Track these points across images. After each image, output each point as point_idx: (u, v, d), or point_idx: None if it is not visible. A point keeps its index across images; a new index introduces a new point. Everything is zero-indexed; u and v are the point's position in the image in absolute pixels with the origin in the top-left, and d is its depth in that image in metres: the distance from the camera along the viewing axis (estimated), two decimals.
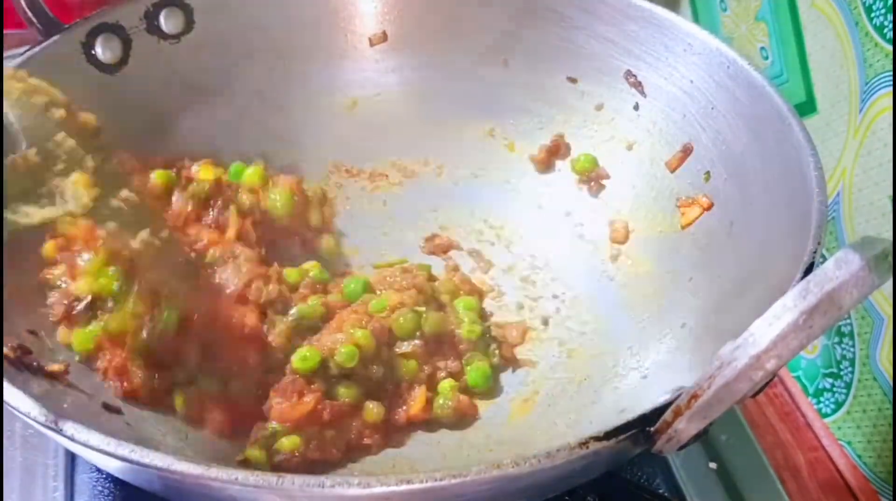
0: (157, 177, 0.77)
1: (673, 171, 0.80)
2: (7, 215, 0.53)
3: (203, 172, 0.78)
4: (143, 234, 0.61)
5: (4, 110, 0.59)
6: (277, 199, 0.80)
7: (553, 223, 0.88)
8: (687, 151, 0.78)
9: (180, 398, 0.67)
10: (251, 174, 0.81)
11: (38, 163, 0.55)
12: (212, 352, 0.69)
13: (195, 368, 0.68)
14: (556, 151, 0.89)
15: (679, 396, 0.47)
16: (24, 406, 0.51)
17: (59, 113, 0.63)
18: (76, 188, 0.56)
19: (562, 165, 0.89)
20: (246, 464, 0.65)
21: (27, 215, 0.54)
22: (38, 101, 0.61)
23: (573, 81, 0.88)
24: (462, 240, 0.88)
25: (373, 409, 0.69)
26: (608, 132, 0.87)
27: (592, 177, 0.87)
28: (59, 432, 0.50)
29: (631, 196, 0.84)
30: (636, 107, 0.84)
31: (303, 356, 0.68)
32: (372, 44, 0.91)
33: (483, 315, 0.80)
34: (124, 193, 0.62)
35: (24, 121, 0.58)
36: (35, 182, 0.54)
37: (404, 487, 0.46)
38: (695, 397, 0.46)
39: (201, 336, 0.68)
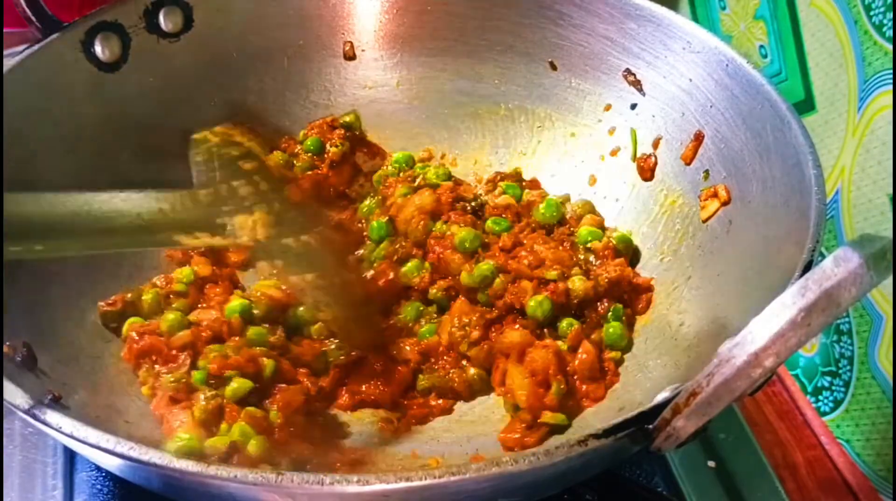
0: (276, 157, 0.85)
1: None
2: (181, 237, 0.60)
3: None
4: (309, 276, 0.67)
5: (192, 157, 0.68)
6: None
7: None
8: (699, 139, 0.78)
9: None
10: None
11: (208, 202, 0.63)
12: None
13: None
14: None
15: (678, 394, 0.47)
16: (20, 401, 0.51)
17: (250, 164, 0.70)
18: (254, 224, 0.63)
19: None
20: None
21: (197, 238, 0.61)
22: (229, 152, 0.70)
23: (572, 79, 0.88)
24: None
25: None
26: (606, 131, 0.87)
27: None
28: (58, 430, 0.50)
29: (628, 193, 0.84)
30: (634, 106, 0.84)
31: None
32: (346, 56, 0.92)
33: None
34: (304, 237, 0.67)
35: (203, 166, 0.67)
36: (204, 216, 0.62)
37: (403, 484, 0.46)
38: (693, 394, 0.46)
39: None
